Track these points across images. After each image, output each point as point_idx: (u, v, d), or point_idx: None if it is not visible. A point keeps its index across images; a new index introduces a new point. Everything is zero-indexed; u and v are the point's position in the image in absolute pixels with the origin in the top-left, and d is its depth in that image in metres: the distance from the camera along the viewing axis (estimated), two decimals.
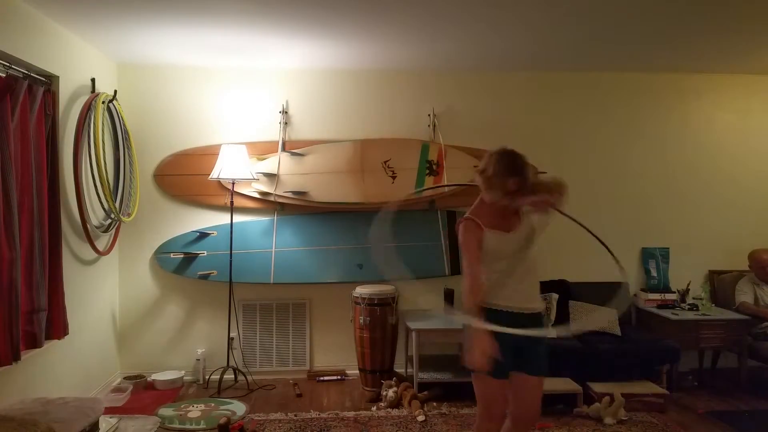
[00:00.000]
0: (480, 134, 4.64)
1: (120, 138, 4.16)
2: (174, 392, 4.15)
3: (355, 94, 4.61)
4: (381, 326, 4.08)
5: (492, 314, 2.34)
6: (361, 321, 4.07)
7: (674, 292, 4.59)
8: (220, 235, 4.36)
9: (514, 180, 2.34)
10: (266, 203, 4.44)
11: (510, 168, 2.35)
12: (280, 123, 4.50)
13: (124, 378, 4.30)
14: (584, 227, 2.60)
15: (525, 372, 2.42)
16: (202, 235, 4.38)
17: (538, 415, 2.50)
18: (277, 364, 4.52)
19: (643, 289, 4.69)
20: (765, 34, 3.78)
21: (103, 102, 3.86)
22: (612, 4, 3.18)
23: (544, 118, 4.74)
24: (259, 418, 3.64)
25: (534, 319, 2.41)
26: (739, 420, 3.66)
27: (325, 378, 4.44)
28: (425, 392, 3.97)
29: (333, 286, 4.45)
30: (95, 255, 3.94)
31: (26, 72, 3.12)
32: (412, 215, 4.49)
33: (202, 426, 3.14)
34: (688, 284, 4.61)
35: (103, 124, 3.84)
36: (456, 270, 4.40)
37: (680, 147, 4.84)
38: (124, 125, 4.19)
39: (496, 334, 2.25)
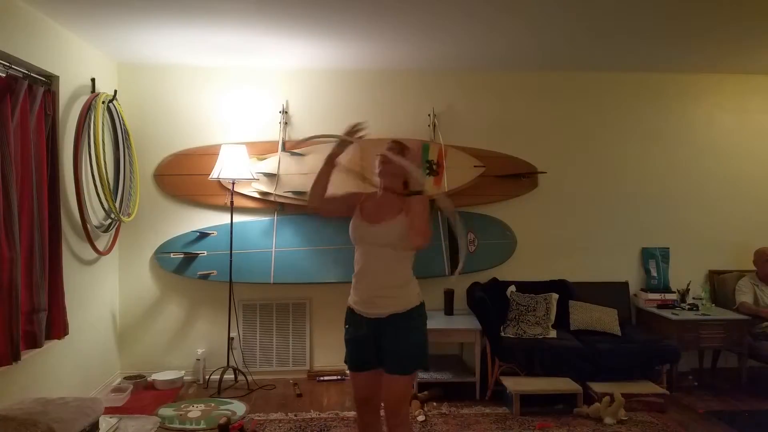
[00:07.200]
0: (480, 134, 4.64)
1: (120, 138, 4.16)
2: (174, 392, 4.15)
3: (355, 94, 4.61)
4: None
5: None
6: None
7: (674, 292, 4.59)
8: (220, 235, 4.36)
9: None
10: (266, 203, 4.44)
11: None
12: (280, 123, 4.50)
13: (124, 378, 4.30)
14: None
15: None
16: (202, 235, 4.38)
17: None
18: (277, 364, 4.51)
19: (643, 289, 4.69)
20: (765, 34, 3.78)
21: (103, 102, 3.86)
22: (612, 3, 3.18)
23: (545, 118, 4.74)
24: (259, 418, 3.64)
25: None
26: (739, 420, 3.66)
27: (325, 378, 4.44)
28: (425, 392, 3.97)
29: (333, 286, 4.43)
30: (95, 255, 3.94)
31: (26, 72, 3.12)
32: None
33: (202, 426, 3.14)
34: (688, 284, 4.62)
35: (103, 124, 3.83)
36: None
37: (680, 147, 4.84)
38: (124, 125, 4.19)
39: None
